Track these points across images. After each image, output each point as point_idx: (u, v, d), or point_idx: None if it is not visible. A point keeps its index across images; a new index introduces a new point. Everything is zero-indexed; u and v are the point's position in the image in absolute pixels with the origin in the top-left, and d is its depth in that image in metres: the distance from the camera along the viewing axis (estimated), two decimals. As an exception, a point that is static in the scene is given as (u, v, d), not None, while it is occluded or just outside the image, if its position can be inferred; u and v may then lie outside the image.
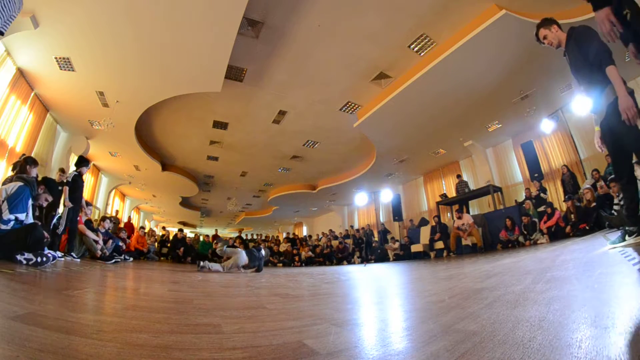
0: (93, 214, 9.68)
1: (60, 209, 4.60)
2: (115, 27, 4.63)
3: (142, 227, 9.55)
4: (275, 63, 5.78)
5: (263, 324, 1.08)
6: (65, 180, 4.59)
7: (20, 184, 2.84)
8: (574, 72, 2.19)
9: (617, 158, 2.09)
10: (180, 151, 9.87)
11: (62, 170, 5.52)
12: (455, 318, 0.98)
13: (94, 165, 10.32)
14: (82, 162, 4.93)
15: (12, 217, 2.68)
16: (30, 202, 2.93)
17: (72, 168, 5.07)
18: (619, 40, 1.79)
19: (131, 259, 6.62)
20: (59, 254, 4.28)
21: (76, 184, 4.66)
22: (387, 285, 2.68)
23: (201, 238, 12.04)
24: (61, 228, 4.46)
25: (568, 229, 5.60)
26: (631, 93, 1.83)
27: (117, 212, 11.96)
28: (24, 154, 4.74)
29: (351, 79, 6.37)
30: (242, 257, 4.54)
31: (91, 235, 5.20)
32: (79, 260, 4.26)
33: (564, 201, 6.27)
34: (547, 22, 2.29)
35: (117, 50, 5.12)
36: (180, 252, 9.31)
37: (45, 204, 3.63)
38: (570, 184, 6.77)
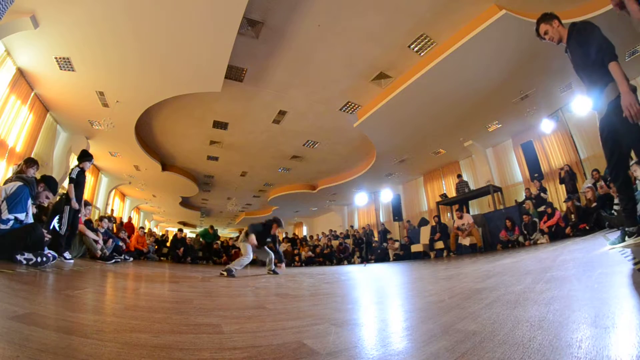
0: (93, 213, 9.68)
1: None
2: (115, 27, 4.62)
3: (142, 227, 9.56)
4: (275, 63, 5.78)
5: (263, 324, 1.08)
6: (69, 177, 4.31)
7: (19, 183, 2.84)
8: (576, 69, 2.15)
9: (613, 159, 2.05)
10: (180, 151, 9.86)
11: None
12: (455, 318, 0.98)
13: (94, 165, 10.32)
14: (85, 156, 4.57)
15: (11, 217, 2.67)
16: (29, 201, 2.92)
17: (74, 163, 4.74)
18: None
19: (131, 259, 6.61)
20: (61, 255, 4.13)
21: (78, 180, 4.36)
22: (387, 285, 2.68)
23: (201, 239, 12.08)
24: (63, 228, 4.19)
25: (568, 229, 5.60)
26: (634, 90, 1.78)
27: (112, 211, 11.90)
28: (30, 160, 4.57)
29: (351, 79, 6.37)
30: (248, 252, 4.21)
31: (91, 235, 5.20)
32: (71, 261, 4.02)
33: (565, 201, 6.27)
34: (547, 17, 2.23)
35: (117, 50, 5.12)
36: (180, 252, 9.31)
37: (46, 202, 3.60)
38: (570, 184, 6.77)
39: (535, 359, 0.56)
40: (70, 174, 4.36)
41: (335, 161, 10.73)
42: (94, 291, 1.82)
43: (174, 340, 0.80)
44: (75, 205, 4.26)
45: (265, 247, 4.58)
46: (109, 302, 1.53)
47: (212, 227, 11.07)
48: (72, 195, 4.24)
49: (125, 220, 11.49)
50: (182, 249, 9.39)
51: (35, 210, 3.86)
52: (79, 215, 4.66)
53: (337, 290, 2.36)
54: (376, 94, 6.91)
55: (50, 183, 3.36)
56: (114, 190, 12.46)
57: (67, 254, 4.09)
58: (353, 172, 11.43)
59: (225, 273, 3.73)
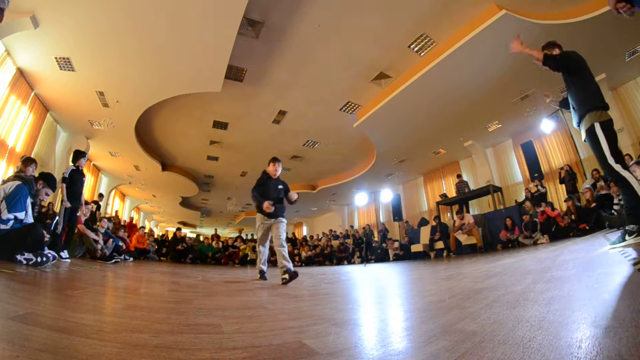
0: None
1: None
2: (115, 27, 4.62)
3: (142, 227, 9.54)
4: (275, 63, 5.78)
5: (263, 324, 1.08)
6: (62, 177, 4.31)
7: (18, 182, 2.84)
8: (567, 91, 2.54)
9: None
10: (180, 151, 9.86)
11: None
12: (455, 318, 0.98)
13: (94, 165, 10.32)
14: (78, 155, 4.62)
15: (11, 216, 2.67)
16: (29, 201, 2.92)
17: (70, 164, 4.77)
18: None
19: (131, 259, 6.61)
20: (58, 254, 4.14)
21: (73, 179, 4.39)
22: (387, 285, 2.68)
23: (201, 238, 12.05)
24: (59, 227, 4.19)
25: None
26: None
27: (117, 212, 11.95)
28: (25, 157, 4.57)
29: (351, 79, 6.37)
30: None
31: (91, 235, 5.20)
32: (68, 260, 3.98)
33: (565, 201, 6.27)
34: (549, 45, 2.60)
35: (117, 50, 5.12)
36: (179, 248, 9.27)
37: (46, 199, 3.61)
38: (570, 184, 6.78)
39: (535, 359, 0.56)
40: (63, 173, 4.38)
41: (335, 161, 10.73)
42: (94, 291, 1.82)
43: (174, 340, 0.80)
44: (66, 204, 4.25)
45: (279, 217, 3.23)
46: (109, 302, 1.53)
47: (204, 240, 10.93)
48: (64, 194, 4.24)
49: (125, 220, 11.49)
50: (181, 248, 9.36)
51: (36, 214, 3.85)
52: (77, 214, 4.65)
53: (337, 290, 2.36)
54: (376, 94, 6.91)
55: (48, 180, 3.37)
56: (114, 190, 12.46)
57: (63, 253, 4.09)
58: (353, 172, 11.43)
59: (259, 275, 3.27)
